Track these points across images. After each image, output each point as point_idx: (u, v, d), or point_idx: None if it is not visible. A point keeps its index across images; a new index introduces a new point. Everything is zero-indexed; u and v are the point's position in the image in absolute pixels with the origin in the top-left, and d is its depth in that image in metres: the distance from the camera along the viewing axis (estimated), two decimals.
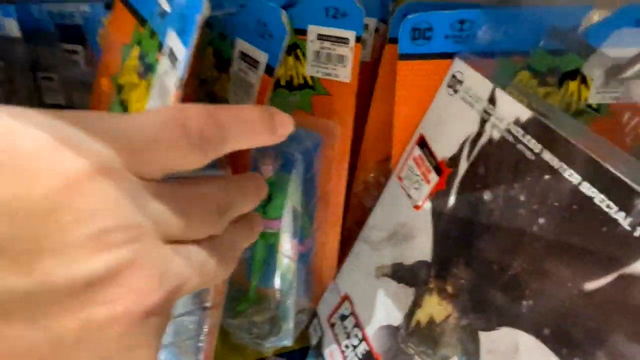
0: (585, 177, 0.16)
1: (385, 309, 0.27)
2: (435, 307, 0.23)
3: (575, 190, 0.16)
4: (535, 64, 0.25)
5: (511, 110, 0.20)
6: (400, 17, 0.27)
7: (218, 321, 0.30)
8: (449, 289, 0.22)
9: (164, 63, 0.18)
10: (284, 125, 0.17)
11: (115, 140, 0.12)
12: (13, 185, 0.10)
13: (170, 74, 0.17)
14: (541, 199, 0.17)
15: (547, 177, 0.17)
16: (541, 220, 0.17)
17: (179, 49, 0.16)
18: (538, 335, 0.17)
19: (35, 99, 0.43)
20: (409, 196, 0.26)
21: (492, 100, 0.21)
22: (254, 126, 0.16)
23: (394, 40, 0.27)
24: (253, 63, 0.22)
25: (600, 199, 0.15)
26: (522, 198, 0.18)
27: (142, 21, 0.22)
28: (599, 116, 0.26)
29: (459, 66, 0.24)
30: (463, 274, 0.21)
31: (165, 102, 0.17)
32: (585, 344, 0.15)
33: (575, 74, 0.25)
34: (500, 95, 0.21)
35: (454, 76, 0.24)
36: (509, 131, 0.20)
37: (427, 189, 0.25)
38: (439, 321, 0.22)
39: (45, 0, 0.39)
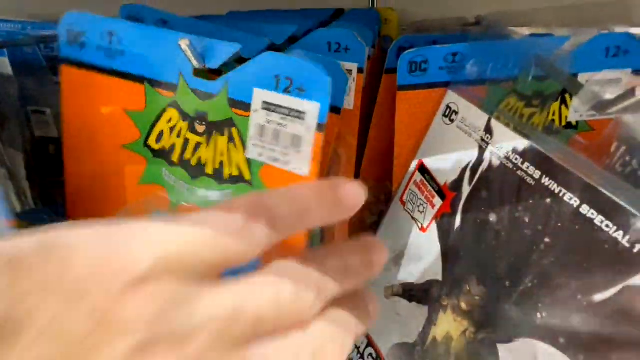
0: (583, 201, 0.18)
1: (398, 327, 0.29)
2: (450, 323, 0.24)
3: (576, 212, 0.18)
4: (521, 89, 0.27)
5: (508, 139, 0.22)
6: (395, 51, 0.29)
7: None
8: (463, 305, 0.23)
9: (257, 117, 0.19)
10: (353, 197, 0.15)
11: (169, 247, 0.12)
12: (59, 307, 0.11)
13: (292, 124, 0.19)
14: (545, 220, 0.19)
15: (548, 200, 0.19)
16: (547, 240, 0.19)
17: (298, 104, 0.19)
18: (554, 344, 0.18)
19: (26, 133, 0.43)
20: (414, 218, 0.28)
21: (488, 130, 0.23)
22: (315, 210, 0.14)
23: (390, 70, 0.29)
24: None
25: (599, 220, 0.17)
26: (526, 219, 0.20)
27: (163, 85, 0.22)
28: (576, 132, 0.29)
29: (452, 97, 0.26)
30: (476, 290, 0.23)
31: (300, 148, 0.19)
32: (600, 350, 0.17)
33: (557, 97, 0.28)
34: (496, 125, 0.23)
35: (448, 107, 0.26)
36: (508, 159, 0.22)
37: (432, 212, 0.26)
38: (455, 336, 0.24)
39: (38, 42, 0.39)
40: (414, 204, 0.28)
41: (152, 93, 0.22)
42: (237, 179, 0.22)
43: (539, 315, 0.19)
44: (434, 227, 0.26)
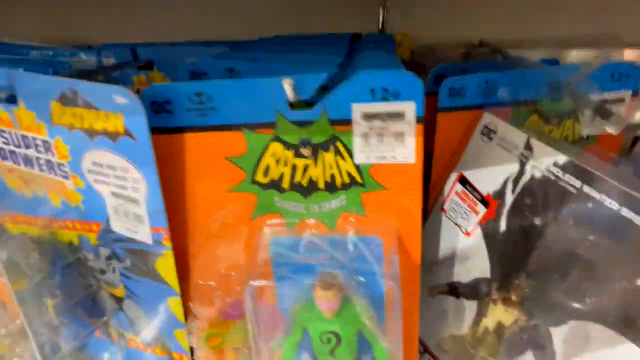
0: (622, 204, 0.22)
1: (445, 322, 0.32)
2: (501, 314, 0.28)
3: (616, 214, 0.22)
4: (542, 109, 0.32)
5: (548, 155, 0.26)
6: (432, 78, 0.33)
7: None
8: (513, 297, 0.27)
9: (359, 127, 0.23)
10: None
11: None
12: None
13: (394, 124, 0.23)
14: (588, 222, 0.23)
15: (590, 205, 0.23)
16: (591, 237, 0.23)
17: (397, 107, 0.23)
18: (604, 322, 0.22)
19: None
20: (457, 224, 0.32)
21: (528, 147, 0.27)
22: None
23: (429, 94, 0.33)
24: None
25: (638, 220, 0.21)
26: (571, 221, 0.24)
27: (261, 125, 0.24)
28: (587, 143, 0.34)
29: (488, 118, 0.30)
30: (525, 284, 0.27)
31: (404, 142, 0.23)
32: None
33: (571, 115, 0.32)
34: (536, 143, 0.27)
35: (486, 126, 0.30)
36: (549, 171, 0.26)
37: (475, 218, 0.30)
38: (507, 324, 0.27)
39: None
40: (455, 211, 0.32)
41: (251, 136, 0.25)
42: (350, 184, 0.25)
43: (587, 300, 0.23)
44: (478, 231, 0.30)
